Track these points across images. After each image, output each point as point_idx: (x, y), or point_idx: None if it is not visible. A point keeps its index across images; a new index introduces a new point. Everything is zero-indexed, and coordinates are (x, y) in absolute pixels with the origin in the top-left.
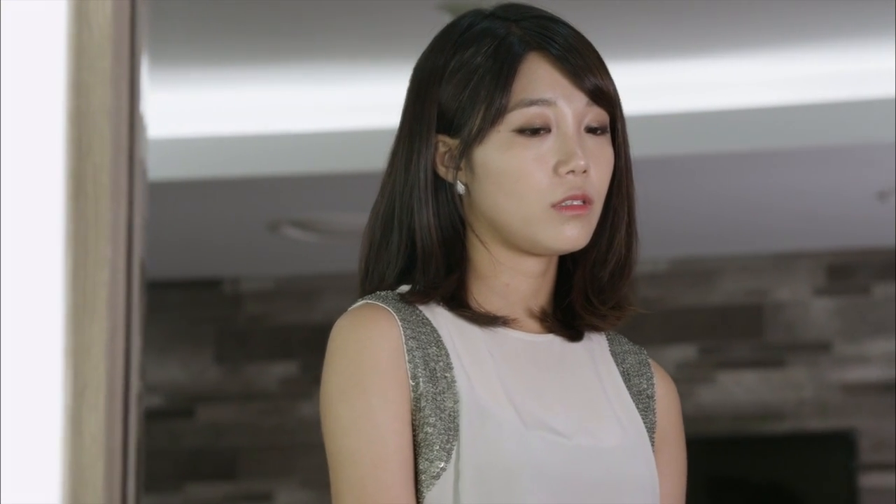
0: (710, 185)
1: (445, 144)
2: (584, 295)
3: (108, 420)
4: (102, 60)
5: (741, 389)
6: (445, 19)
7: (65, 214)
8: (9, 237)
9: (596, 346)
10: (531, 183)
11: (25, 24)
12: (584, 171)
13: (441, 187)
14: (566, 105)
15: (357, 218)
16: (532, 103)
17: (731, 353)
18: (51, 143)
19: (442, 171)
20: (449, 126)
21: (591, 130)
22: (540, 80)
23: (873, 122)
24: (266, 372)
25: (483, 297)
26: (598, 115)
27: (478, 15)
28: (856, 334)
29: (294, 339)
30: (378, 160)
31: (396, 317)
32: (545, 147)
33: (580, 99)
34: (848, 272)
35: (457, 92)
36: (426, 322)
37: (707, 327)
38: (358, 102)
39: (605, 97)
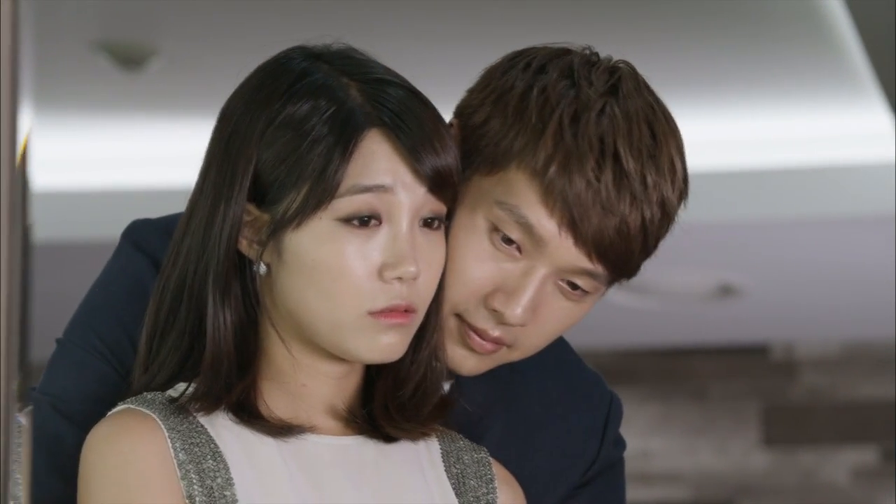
0: None
1: (251, 214)
2: (384, 408)
3: None
4: None
5: None
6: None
7: None
8: None
9: (421, 445)
10: (350, 284)
11: None
12: (414, 279)
13: (242, 264)
14: (404, 194)
15: None
16: (366, 190)
17: None
18: None
19: (243, 244)
20: (261, 195)
21: (425, 223)
22: (377, 164)
23: None
24: None
25: (275, 399)
26: (436, 205)
27: (310, 57)
28: None
29: None
30: None
31: (163, 426)
32: (373, 243)
33: (419, 187)
34: None
35: (278, 157)
36: (201, 430)
37: None
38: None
39: (447, 185)
